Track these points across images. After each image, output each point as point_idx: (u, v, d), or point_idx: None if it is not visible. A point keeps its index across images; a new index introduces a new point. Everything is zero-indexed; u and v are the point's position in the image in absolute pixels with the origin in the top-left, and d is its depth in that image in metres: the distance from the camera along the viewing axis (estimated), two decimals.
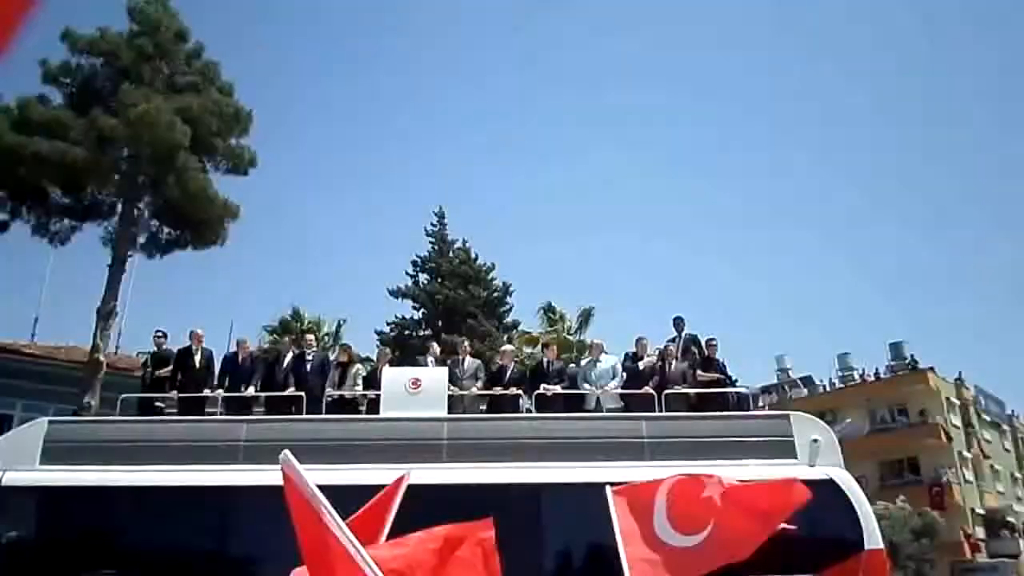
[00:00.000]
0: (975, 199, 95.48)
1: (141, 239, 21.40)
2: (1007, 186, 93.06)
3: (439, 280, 33.32)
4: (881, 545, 8.34)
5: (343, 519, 4.30)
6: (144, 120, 18.73)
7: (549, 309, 29.17)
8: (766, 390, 11.86)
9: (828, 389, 55.10)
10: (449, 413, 9.23)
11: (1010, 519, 48.29)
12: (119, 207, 20.96)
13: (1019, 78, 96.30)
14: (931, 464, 46.99)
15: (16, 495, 8.26)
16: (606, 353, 10.87)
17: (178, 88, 21.12)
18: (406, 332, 32.41)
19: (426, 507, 8.13)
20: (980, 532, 46.20)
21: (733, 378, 10.83)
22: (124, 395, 10.34)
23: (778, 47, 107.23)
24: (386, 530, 5.17)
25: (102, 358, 19.13)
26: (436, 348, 11.72)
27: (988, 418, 55.65)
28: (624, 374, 10.45)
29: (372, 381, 10.38)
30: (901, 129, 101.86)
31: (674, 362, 10.47)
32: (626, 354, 10.80)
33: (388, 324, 33.10)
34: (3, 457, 8.44)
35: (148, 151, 19.26)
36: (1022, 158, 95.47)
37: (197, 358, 10.77)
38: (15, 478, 8.29)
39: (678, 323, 11.58)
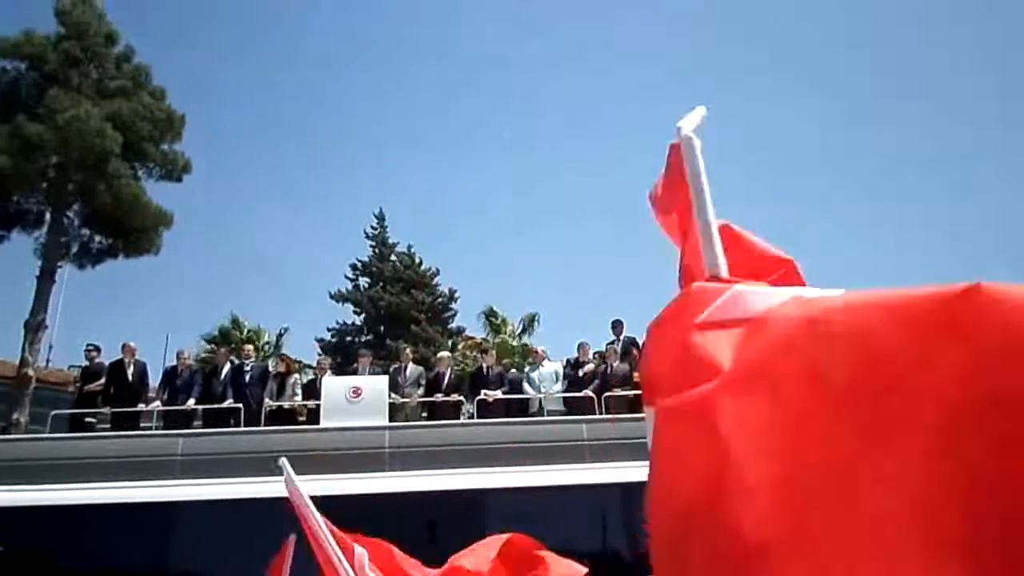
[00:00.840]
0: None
1: (72, 249, 20.73)
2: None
3: (381, 285, 33.02)
4: None
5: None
6: (72, 126, 18.16)
7: (491, 314, 29.16)
8: None
9: None
10: (391, 421, 9.21)
11: None
12: (47, 216, 20.27)
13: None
14: None
15: None
16: (548, 360, 10.97)
17: (108, 93, 20.51)
18: (348, 338, 32.06)
19: (371, 517, 8.17)
20: None
21: None
22: (55, 411, 10.06)
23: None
24: None
25: (31, 372, 18.46)
26: (367, 359, 11.54)
27: None
28: (565, 380, 10.57)
29: (312, 390, 10.28)
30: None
31: (615, 364, 10.61)
32: (567, 360, 10.90)
33: (329, 330, 32.70)
34: None
35: (77, 158, 18.67)
36: None
37: (130, 371, 10.52)
38: None
39: (616, 326, 11.75)
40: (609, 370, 10.51)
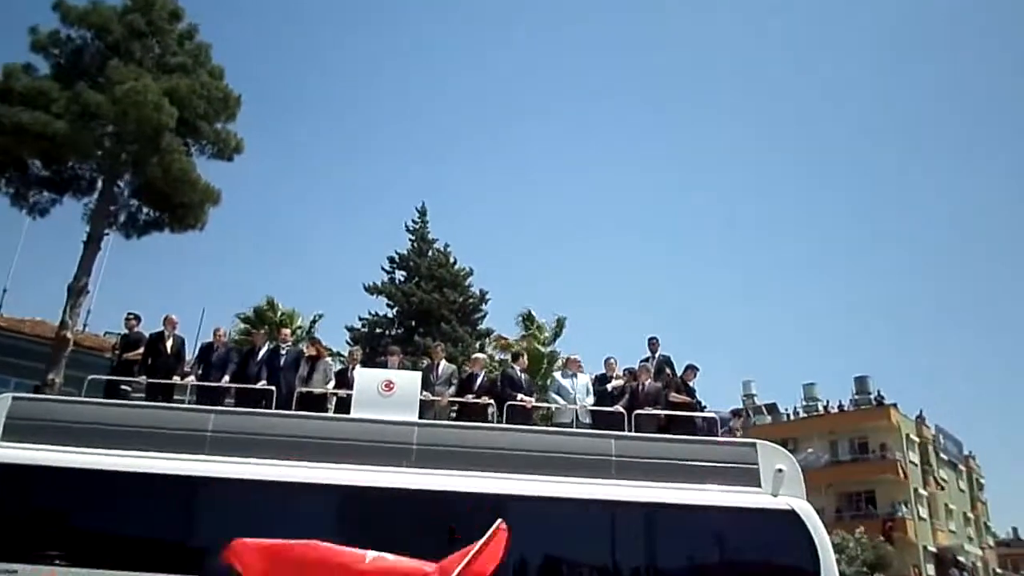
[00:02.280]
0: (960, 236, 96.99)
1: (120, 218, 21.10)
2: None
3: (416, 280, 33.14)
4: None
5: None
6: (131, 98, 18.50)
7: (528, 317, 28.96)
8: (736, 413, 12.09)
9: (792, 417, 55.75)
10: (420, 418, 9.21)
11: (960, 558, 48.87)
12: (99, 183, 20.67)
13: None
14: (887, 499, 47.64)
15: None
16: (581, 371, 10.90)
17: (168, 68, 20.88)
18: (378, 330, 32.21)
19: (390, 510, 8.18)
20: (930, 569, 46.82)
21: (703, 404, 10.91)
22: (92, 376, 10.20)
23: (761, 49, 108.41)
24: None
25: (70, 335, 18.84)
26: (396, 358, 11.44)
27: (946, 457, 56.56)
28: (595, 394, 10.50)
29: (342, 380, 10.32)
30: (883, 162, 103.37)
31: (647, 382, 10.51)
32: (596, 376, 10.82)
33: (361, 320, 32.90)
34: None
35: (133, 129, 19.01)
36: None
37: (169, 344, 10.66)
38: None
39: (653, 343, 11.65)
40: (641, 388, 10.42)
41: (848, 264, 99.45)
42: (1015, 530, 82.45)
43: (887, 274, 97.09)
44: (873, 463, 49.08)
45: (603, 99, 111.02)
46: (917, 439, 52.00)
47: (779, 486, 8.71)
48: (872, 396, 53.18)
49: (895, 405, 50.65)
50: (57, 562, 7.83)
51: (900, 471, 47.86)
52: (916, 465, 50.66)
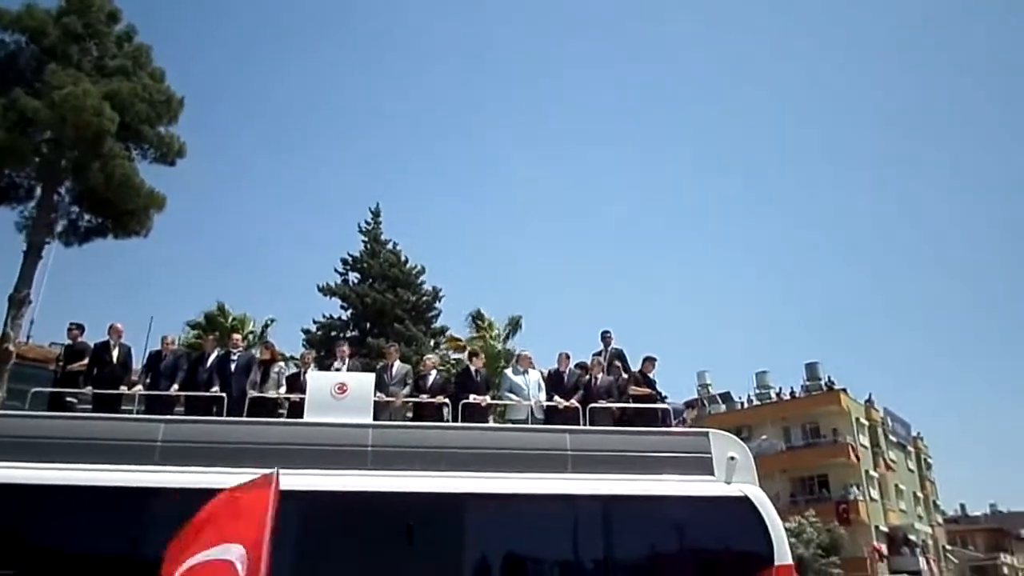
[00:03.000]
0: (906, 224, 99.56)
1: (59, 226, 20.59)
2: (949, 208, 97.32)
3: (369, 281, 32.99)
4: (790, 561, 8.64)
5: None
6: (69, 103, 18.08)
7: (478, 316, 29.09)
8: (690, 404, 12.19)
9: (746, 406, 56.69)
10: (375, 420, 9.17)
11: (911, 536, 50.39)
12: (38, 191, 20.16)
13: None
14: (840, 482, 48.77)
15: None
16: (532, 367, 10.95)
17: (107, 71, 20.46)
18: (333, 332, 31.97)
19: (349, 513, 8.14)
20: (883, 548, 48.08)
21: (663, 394, 11.04)
22: (36, 388, 9.92)
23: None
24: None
25: (11, 347, 18.37)
26: (345, 349, 11.42)
27: (894, 439, 58.06)
28: (547, 389, 10.53)
29: (296, 384, 10.22)
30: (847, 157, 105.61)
31: (599, 376, 10.60)
32: (549, 371, 10.85)
33: (315, 323, 32.64)
34: None
35: (72, 135, 18.60)
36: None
37: (115, 353, 10.43)
38: None
39: (605, 336, 11.79)
40: (594, 382, 10.50)
41: (796, 253, 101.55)
42: (963, 507, 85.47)
43: (832, 263, 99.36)
44: (825, 447, 50.18)
45: (554, 91, 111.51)
46: (867, 422, 53.33)
47: (732, 473, 8.87)
48: (823, 382, 54.39)
49: (844, 390, 51.85)
50: None
51: (851, 454, 49.03)
52: (867, 448, 51.95)
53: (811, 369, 55.86)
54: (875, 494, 50.76)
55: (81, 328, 10.85)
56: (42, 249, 19.74)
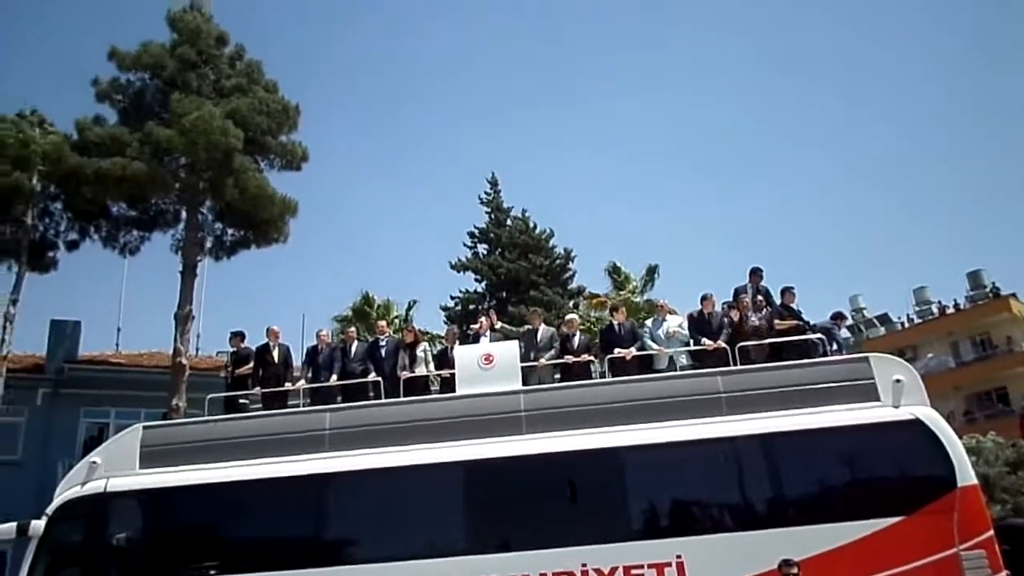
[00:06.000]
0: None
1: (208, 243, 21.93)
2: None
3: (499, 251, 33.25)
4: (975, 480, 8.18)
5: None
6: (197, 127, 19.11)
7: (614, 271, 28.67)
8: (836, 316, 11.44)
9: (906, 326, 53.74)
10: (525, 384, 9.31)
11: None
12: (183, 214, 21.51)
13: None
14: (1020, 392, 45.48)
15: (121, 499, 8.71)
16: (672, 313, 10.74)
17: (225, 92, 21.46)
18: (471, 306, 32.52)
19: (511, 478, 8.35)
20: None
21: (811, 323, 10.59)
22: (210, 395, 10.68)
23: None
24: None
25: (184, 361, 19.78)
26: (485, 322, 11.44)
27: None
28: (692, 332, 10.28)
29: (444, 360, 10.51)
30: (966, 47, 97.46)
31: (749, 314, 10.24)
32: (690, 314, 10.54)
33: (453, 299, 33.30)
34: (105, 464, 8.90)
35: (204, 157, 19.64)
36: None
37: (275, 353, 11.06)
38: (118, 483, 8.74)
39: (755, 273, 11.21)
40: (745, 321, 10.13)
41: (941, 151, 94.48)
42: None
43: (982, 159, 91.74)
44: (1000, 358, 46.82)
45: (677, 40, 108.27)
46: None
47: (899, 396, 8.46)
48: (988, 290, 50.71)
49: (1014, 295, 48.13)
50: (212, 572, 8.32)
51: None
52: None
53: (974, 277, 52.10)
54: None
55: (242, 336, 11.60)
56: (196, 267, 21.06)
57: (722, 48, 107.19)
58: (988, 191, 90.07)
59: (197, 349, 23.66)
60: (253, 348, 11.25)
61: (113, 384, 21.27)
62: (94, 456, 9.10)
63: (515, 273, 31.79)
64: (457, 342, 10.87)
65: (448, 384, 9.82)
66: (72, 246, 21.55)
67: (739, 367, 9.20)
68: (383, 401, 9.76)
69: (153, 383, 20.62)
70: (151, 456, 8.96)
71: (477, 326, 11.51)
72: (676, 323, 10.49)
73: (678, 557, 7.84)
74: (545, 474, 8.44)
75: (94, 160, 19.44)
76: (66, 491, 8.83)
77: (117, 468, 8.87)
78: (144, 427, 9.42)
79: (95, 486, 8.74)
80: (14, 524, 8.59)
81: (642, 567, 7.83)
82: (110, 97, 21.24)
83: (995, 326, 47.74)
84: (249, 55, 22.85)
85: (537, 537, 8.03)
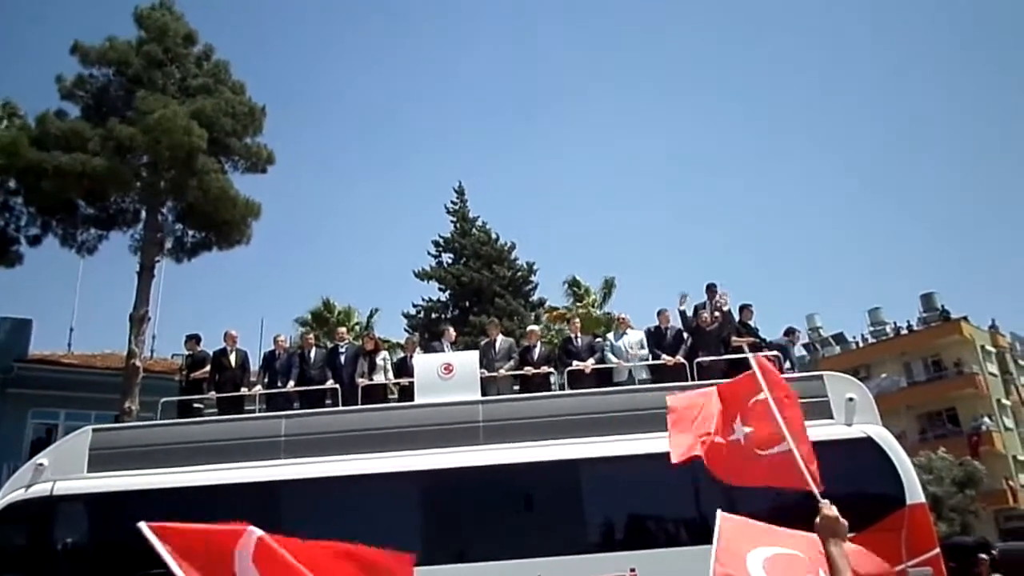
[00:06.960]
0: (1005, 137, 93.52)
1: (167, 244, 21.60)
2: None
3: (463, 261, 33.33)
4: (923, 499, 8.33)
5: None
6: (161, 126, 18.84)
7: (574, 283, 28.98)
8: (787, 332, 11.63)
9: (861, 345, 54.79)
10: (483, 395, 9.31)
11: None
12: (143, 214, 21.17)
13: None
14: (969, 414, 46.58)
15: (68, 503, 8.50)
16: (631, 328, 10.85)
17: (191, 91, 21.21)
18: (434, 314, 32.51)
19: (467, 488, 8.33)
20: (1023, 479, 45.78)
21: (766, 340, 10.77)
22: (164, 399, 10.51)
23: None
24: None
25: (138, 363, 19.41)
26: (451, 333, 11.70)
27: None
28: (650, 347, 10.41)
29: (403, 368, 10.48)
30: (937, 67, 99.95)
31: (707, 329, 10.38)
32: (647, 329, 10.70)
33: (415, 307, 33.25)
34: (53, 466, 8.67)
35: (167, 156, 19.37)
36: None
37: (232, 358, 10.94)
38: (66, 487, 8.52)
39: (711, 289, 11.37)
40: (702, 335, 10.26)
41: (900, 181, 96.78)
42: None
43: (939, 188, 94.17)
44: (950, 380, 47.98)
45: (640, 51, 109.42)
46: (993, 349, 50.61)
47: (852, 415, 8.60)
48: (940, 312, 51.91)
49: (965, 318, 49.35)
50: None
51: (979, 384, 46.74)
52: (995, 376, 49.36)
53: (927, 300, 53.38)
54: (1009, 423, 48.25)
55: (198, 339, 11.43)
56: (153, 267, 20.70)
57: (686, 64, 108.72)
58: (942, 216, 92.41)
59: (152, 351, 23.25)
60: (209, 352, 11.10)
61: (64, 385, 20.77)
62: (41, 458, 8.85)
63: (478, 283, 31.87)
64: (418, 350, 10.85)
65: (407, 393, 9.79)
66: (34, 241, 21.11)
67: (696, 382, 9.28)
68: (340, 408, 9.68)
69: (105, 385, 20.19)
70: (101, 459, 8.75)
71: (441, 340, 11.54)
72: (636, 338, 10.59)
73: (632, 570, 7.87)
74: (502, 485, 8.44)
75: (55, 154, 19.04)
76: (10, 493, 8.59)
77: (65, 471, 8.65)
78: (94, 429, 9.20)
79: (41, 489, 8.51)
80: None
81: None
82: (73, 93, 20.86)
83: (946, 348, 48.89)
84: (218, 55, 22.64)
85: (493, 548, 8.01)
